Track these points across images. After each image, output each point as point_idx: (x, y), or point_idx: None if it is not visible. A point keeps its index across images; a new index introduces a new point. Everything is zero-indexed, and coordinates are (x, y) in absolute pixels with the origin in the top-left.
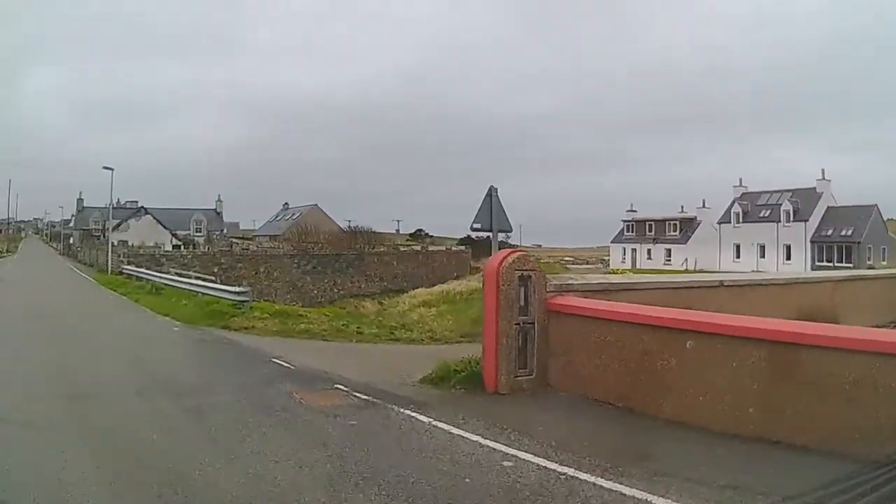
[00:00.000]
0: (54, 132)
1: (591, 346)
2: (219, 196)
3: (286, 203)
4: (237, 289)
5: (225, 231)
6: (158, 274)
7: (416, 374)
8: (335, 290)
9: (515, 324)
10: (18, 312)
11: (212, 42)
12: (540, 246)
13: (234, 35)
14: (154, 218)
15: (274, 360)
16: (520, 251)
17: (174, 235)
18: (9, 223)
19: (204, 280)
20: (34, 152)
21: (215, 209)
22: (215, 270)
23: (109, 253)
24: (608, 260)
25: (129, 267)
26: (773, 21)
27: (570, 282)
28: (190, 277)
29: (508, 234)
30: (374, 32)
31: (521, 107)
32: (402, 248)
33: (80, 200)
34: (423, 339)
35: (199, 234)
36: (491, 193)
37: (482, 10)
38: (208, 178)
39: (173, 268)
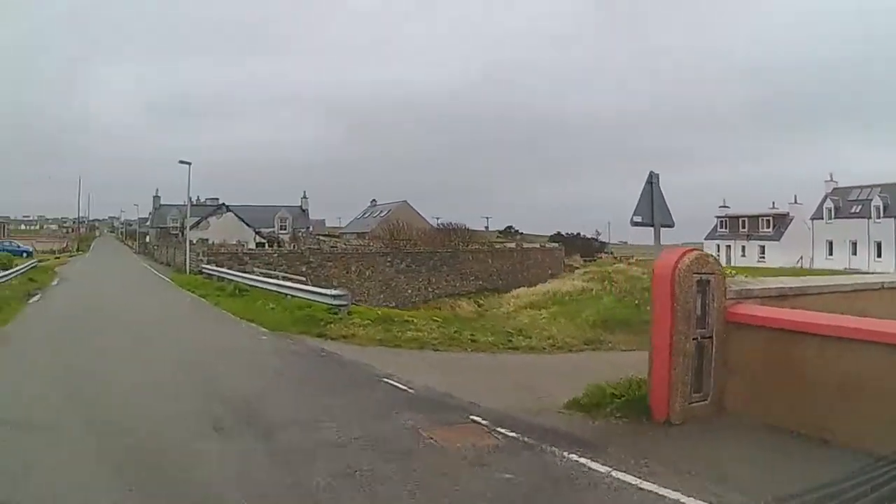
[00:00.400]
0: (130, 131)
1: (779, 363)
2: (304, 192)
3: (374, 200)
4: (333, 291)
5: (311, 228)
6: (241, 274)
7: (558, 395)
8: (429, 290)
9: (693, 338)
10: (76, 318)
11: (292, 39)
12: (626, 243)
13: (313, 32)
14: (236, 215)
15: (385, 379)
16: (695, 250)
17: (258, 233)
18: (82, 222)
19: (293, 281)
20: (110, 151)
21: (300, 206)
22: (303, 270)
23: (187, 251)
24: None
25: (209, 266)
26: (863, 13)
27: (748, 286)
28: (277, 278)
29: (670, 228)
30: (455, 27)
31: (602, 104)
32: (497, 246)
33: (156, 198)
34: (544, 348)
35: (283, 231)
36: (651, 181)
37: (565, 2)
38: (290, 176)
39: (258, 267)
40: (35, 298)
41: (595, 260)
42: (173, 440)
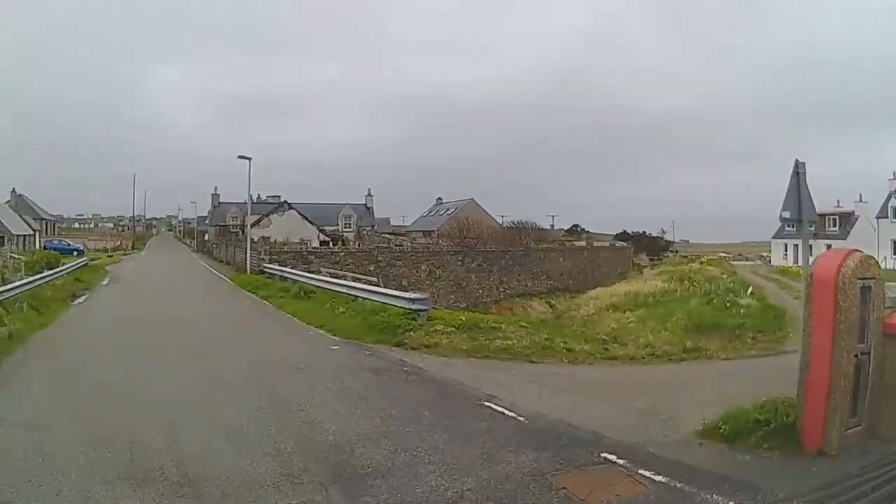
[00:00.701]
0: (190, 130)
1: None
2: (369, 190)
3: (440, 198)
4: (411, 294)
5: (376, 227)
6: (307, 274)
7: (684, 418)
8: (501, 290)
9: (854, 355)
10: (121, 323)
11: (354, 39)
12: (688, 242)
13: (376, 32)
14: (299, 213)
15: (486, 402)
16: (857, 251)
17: (321, 231)
18: (138, 220)
19: (364, 282)
20: (169, 150)
21: (365, 204)
22: (371, 269)
23: (248, 250)
24: (767, 256)
25: (271, 265)
26: None
27: None
28: (346, 278)
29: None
30: (520, 27)
31: (666, 103)
32: (568, 245)
33: (215, 195)
34: (643, 357)
35: (348, 229)
36: (798, 171)
37: (628, 4)
38: (351, 175)
39: (324, 266)
40: (80, 300)
41: (661, 259)
42: (237, 497)
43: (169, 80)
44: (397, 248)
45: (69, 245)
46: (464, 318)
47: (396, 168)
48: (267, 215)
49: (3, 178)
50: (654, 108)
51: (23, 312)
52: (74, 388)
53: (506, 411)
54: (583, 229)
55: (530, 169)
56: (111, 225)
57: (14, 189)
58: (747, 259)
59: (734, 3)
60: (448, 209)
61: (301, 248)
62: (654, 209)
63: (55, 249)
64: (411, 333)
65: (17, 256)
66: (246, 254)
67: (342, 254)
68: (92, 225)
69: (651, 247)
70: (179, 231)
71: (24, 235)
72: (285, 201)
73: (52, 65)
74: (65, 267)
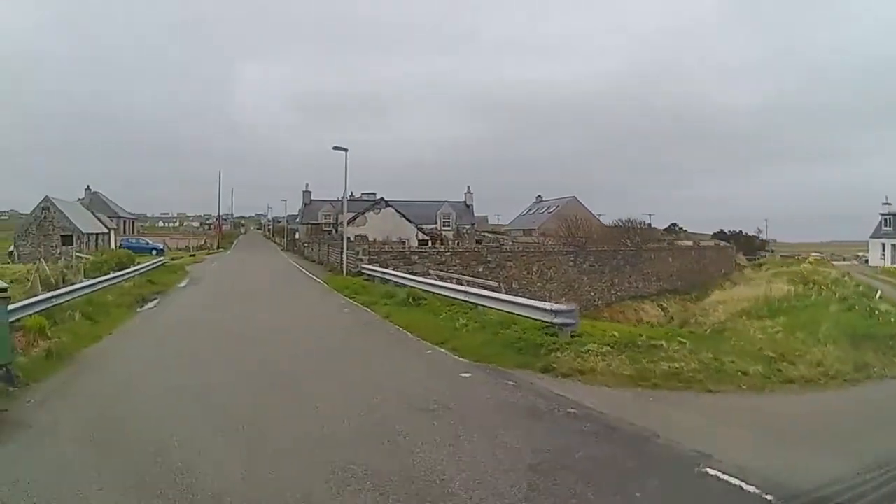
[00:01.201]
0: (281, 130)
1: None
2: (468, 187)
3: (539, 195)
4: (552, 305)
5: (476, 225)
6: (413, 277)
7: None
8: (612, 292)
9: None
10: (193, 337)
11: (440, 38)
12: (775, 241)
13: (463, 31)
14: (396, 210)
15: (704, 467)
16: None
17: (419, 230)
18: (225, 218)
19: (484, 287)
20: (259, 149)
21: (464, 202)
22: (480, 270)
23: (344, 249)
24: (863, 256)
25: (370, 266)
26: None
27: None
28: (460, 282)
29: None
30: (602, 26)
31: (747, 100)
32: (676, 244)
33: (306, 192)
34: (818, 378)
35: (447, 228)
36: None
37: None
38: (444, 174)
39: (430, 268)
40: (149, 305)
41: (758, 258)
42: None
43: (260, 79)
44: (511, 247)
45: (147, 244)
46: (617, 334)
47: (486, 166)
48: (362, 213)
49: (90, 175)
50: (733, 105)
51: (74, 322)
52: (111, 446)
53: (741, 484)
54: (681, 228)
55: (616, 167)
56: (197, 224)
57: (89, 186)
58: (844, 259)
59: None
60: (549, 207)
61: (403, 248)
62: (739, 207)
63: (131, 248)
64: (558, 355)
65: (83, 256)
66: (342, 253)
67: (448, 253)
68: (177, 224)
69: (748, 246)
70: (268, 230)
71: (97, 234)
72: (382, 198)
73: (143, 66)
74: (137, 267)
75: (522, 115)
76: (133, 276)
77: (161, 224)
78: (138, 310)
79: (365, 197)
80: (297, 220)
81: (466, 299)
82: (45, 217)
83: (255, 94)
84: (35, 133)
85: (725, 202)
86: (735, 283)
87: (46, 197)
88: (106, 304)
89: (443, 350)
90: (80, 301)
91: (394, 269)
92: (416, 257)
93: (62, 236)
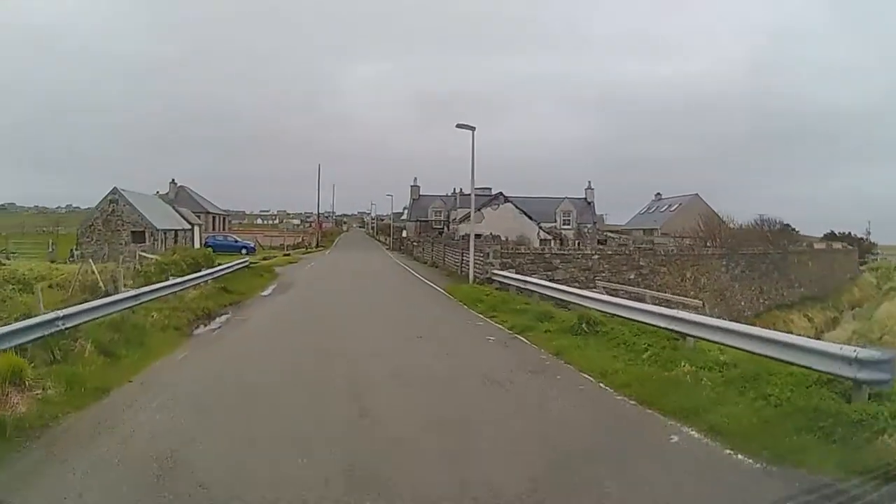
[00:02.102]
0: (384, 127)
1: None
2: (589, 183)
3: (658, 193)
4: (856, 350)
5: (597, 223)
6: (566, 289)
7: None
8: (761, 300)
9: None
10: (267, 384)
11: (551, 36)
12: (877, 244)
13: (568, 30)
14: (516, 206)
15: None
16: None
17: (541, 228)
18: (326, 216)
19: (692, 308)
20: (364, 147)
21: (585, 198)
22: (632, 277)
23: (472, 250)
24: None
25: (503, 273)
26: None
27: None
28: (642, 298)
29: None
30: (703, 25)
31: (847, 100)
32: (815, 247)
33: (414, 187)
34: None
35: (566, 227)
36: None
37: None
38: (551, 171)
39: (600, 279)
40: (213, 325)
41: (867, 261)
42: None
43: (366, 77)
44: (661, 250)
45: (235, 241)
46: None
47: (595, 165)
48: (479, 209)
49: (194, 173)
50: (832, 105)
51: (83, 358)
52: None
53: None
54: (793, 229)
55: (719, 165)
56: (297, 221)
57: (174, 180)
58: None
59: None
60: (669, 205)
61: (543, 250)
62: (840, 209)
63: (217, 246)
64: (887, 440)
65: (148, 256)
66: (463, 255)
67: (595, 257)
68: (276, 221)
69: (857, 249)
70: (372, 228)
71: (177, 230)
72: (500, 193)
73: (247, 63)
74: (210, 271)
75: (631, 114)
76: (202, 283)
77: (260, 221)
78: (193, 332)
79: (479, 192)
80: (404, 216)
81: (668, 326)
82: (112, 211)
83: (361, 92)
84: (140, 133)
85: (823, 203)
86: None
87: (115, 188)
88: (143, 328)
89: (694, 433)
90: (107, 322)
91: (533, 276)
92: (559, 261)
93: (132, 233)
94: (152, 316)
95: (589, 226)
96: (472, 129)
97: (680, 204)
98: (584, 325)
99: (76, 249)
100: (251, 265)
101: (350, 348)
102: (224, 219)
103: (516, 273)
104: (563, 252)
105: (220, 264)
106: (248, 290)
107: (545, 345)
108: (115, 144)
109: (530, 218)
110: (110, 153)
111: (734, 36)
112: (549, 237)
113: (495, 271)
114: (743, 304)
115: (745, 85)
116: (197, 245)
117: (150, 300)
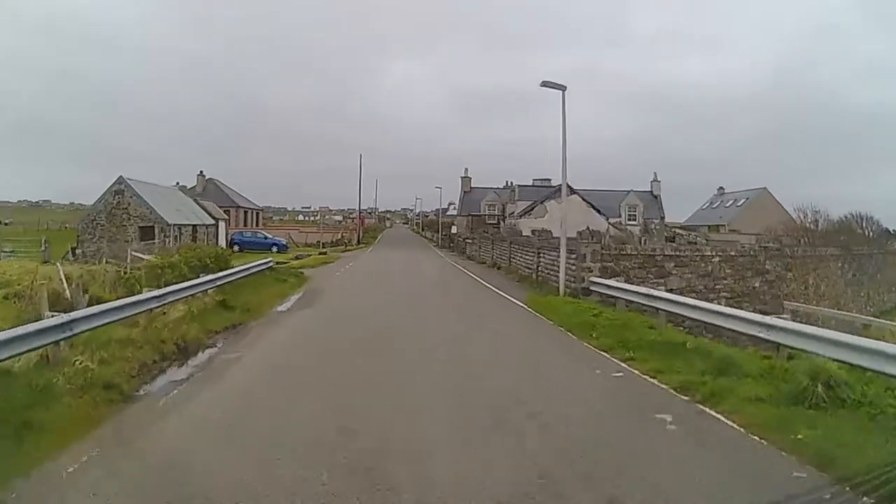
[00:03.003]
0: (428, 125)
1: None
2: (655, 174)
3: (721, 187)
4: None
5: (664, 219)
6: (715, 308)
7: None
8: (868, 308)
9: None
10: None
11: (589, 34)
12: None
13: (610, 26)
14: (583, 199)
15: None
16: None
17: (610, 224)
18: (369, 212)
19: None
20: (404, 144)
21: (651, 191)
22: (756, 286)
23: (563, 251)
24: None
25: (609, 282)
26: None
27: None
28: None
29: None
30: (747, 20)
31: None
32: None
33: (465, 179)
34: None
35: (632, 222)
36: None
37: None
38: (604, 167)
39: (719, 286)
40: (177, 375)
41: None
42: None
43: (410, 74)
44: (787, 251)
45: (265, 238)
46: None
47: (646, 162)
48: (541, 202)
49: (232, 168)
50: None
51: None
52: None
53: None
54: (892, 230)
55: (761, 163)
56: (340, 218)
57: (202, 172)
58: None
59: None
60: (735, 200)
61: (654, 250)
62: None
63: (243, 244)
64: None
65: (142, 256)
66: (561, 257)
67: (716, 260)
68: (317, 217)
69: None
70: (417, 224)
71: (195, 225)
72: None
73: (290, 60)
74: (225, 274)
75: (680, 110)
76: (198, 294)
77: (301, 217)
78: (135, 394)
79: (538, 184)
80: (450, 211)
81: None
82: (117, 203)
83: (403, 88)
84: (182, 129)
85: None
86: None
87: (120, 177)
88: (48, 392)
89: None
90: None
91: (643, 285)
92: (672, 265)
93: (140, 228)
94: (75, 362)
95: (656, 221)
96: (563, 88)
97: (747, 199)
98: (818, 389)
99: (77, 247)
100: (275, 266)
101: (403, 440)
102: (258, 214)
103: (625, 285)
104: (677, 254)
105: (238, 266)
106: (261, 302)
107: (775, 437)
108: (159, 140)
109: (599, 212)
110: (152, 149)
111: (777, 34)
112: (621, 233)
113: (594, 279)
114: (855, 312)
115: (784, 83)
116: (222, 242)
117: (105, 324)
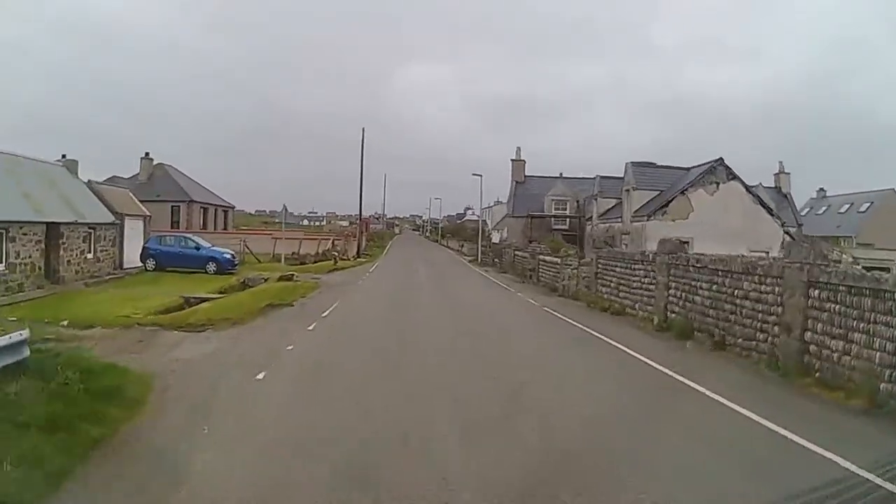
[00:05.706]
0: (446, 131)
1: None
2: (781, 165)
3: (821, 188)
4: None
5: (802, 226)
6: None
7: None
8: None
9: None
10: None
11: (621, 41)
12: None
13: (637, 35)
14: (746, 188)
15: None
16: None
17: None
18: (376, 218)
19: None
20: (417, 151)
21: (777, 187)
22: None
23: None
24: None
25: None
26: None
27: None
28: None
29: None
30: (777, 30)
31: None
32: None
33: (517, 162)
34: None
35: None
36: None
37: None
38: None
39: None
40: None
41: None
42: None
43: (426, 80)
44: None
45: (198, 248)
46: None
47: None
48: (682, 192)
49: (243, 172)
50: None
51: None
52: None
53: None
54: None
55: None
56: (346, 223)
57: (147, 153)
58: None
59: None
60: (853, 205)
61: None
62: None
63: (161, 256)
64: None
65: None
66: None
67: None
68: (323, 222)
69: None
70: (431, 229)
71: (59, 224)
72: (720, 160)
73: (306, 65)
74: None
75: (702, 118)
76: None
77: (305, 222)
78: None
79: (641, 163)
80: (485, 212)
81: None
82: None
83: (417, 95)
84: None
85: None
86: None
87: None
88: None
89: None
90: None
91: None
92: None
93: None
94: None
95: (793, 230)
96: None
97: (872, 203)
98: None
99: None
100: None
101: None
102: (226, 213)
103: None
104: None
105: None
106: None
107: None
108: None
109: (771, 212)
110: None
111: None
112: (802, 243)
113: None
114: None
115: (818, 91)
116: (133, 252)
117: None
